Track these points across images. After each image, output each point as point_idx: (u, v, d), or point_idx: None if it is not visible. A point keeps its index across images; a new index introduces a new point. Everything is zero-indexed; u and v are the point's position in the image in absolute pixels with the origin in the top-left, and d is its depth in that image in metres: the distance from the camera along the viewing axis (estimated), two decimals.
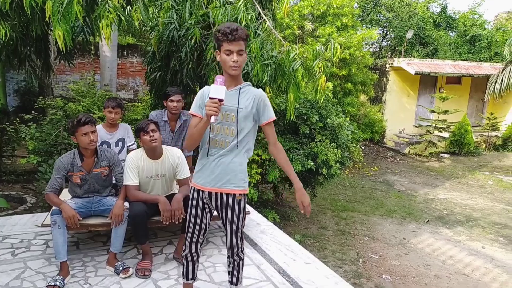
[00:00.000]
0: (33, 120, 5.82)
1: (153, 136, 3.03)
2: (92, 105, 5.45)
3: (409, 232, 6.74)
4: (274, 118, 2.27)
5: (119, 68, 11.23)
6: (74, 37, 4.52)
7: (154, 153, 3.13)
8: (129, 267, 2.99)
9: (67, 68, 10.27)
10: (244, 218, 2.33)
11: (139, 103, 7.55)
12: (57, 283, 2.71)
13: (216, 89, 2.02)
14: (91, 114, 5.19)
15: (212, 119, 2.04)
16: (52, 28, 4.03)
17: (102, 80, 9.71)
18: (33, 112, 6.39)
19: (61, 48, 3.38)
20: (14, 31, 4.26)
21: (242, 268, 2.43)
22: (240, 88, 2.24)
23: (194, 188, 2.31)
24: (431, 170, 11.27)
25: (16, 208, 5.98)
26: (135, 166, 3.08)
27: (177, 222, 3.01)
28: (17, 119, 7.47)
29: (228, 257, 2.39)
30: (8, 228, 3.64)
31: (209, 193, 2.28)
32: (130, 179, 3.07)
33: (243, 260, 2.41)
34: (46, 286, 2.71)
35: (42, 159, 5.12)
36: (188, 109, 4.39)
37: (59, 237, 2.82)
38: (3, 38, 3.90)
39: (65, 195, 3.39)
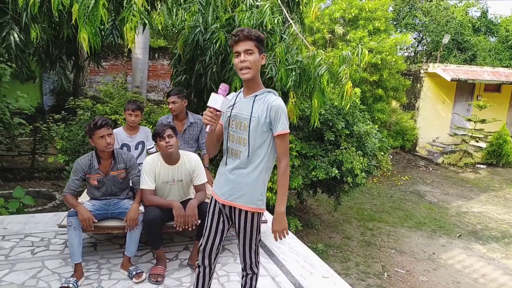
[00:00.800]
0: (63, 119, 5.97)
1: (169, 142, 2.99)
2: (119, 107, 5.54)
3: (439, 247, 6.43)
4: (286, 131, 2.09)
5: (150, 70, 11.44)
6: (103, 39, 4.60)
7: (170, 159, 3.10)
8: (143, 272, 2.97)
9: (101, 69, 10.58)
10: (259, 233, 2.23)
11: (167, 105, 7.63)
12: (71, 285, 2.71)
13: (213, 98, 1.97)
14: (112, 117, 5.27)
15: (207, 128, 2.00)
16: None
17: (133, 82, 9.91)
18: (63, 112, 6.58)
19: (86, 50, 3.43)
20: (45, 33, 4.37)
21: (256, 282, 2.32)
22: (256, 95, 2.12)
23: (212, 197, 2.27)
24: (465, 181, 10.76)
25: (45, 205, 6.16)
26: (151, 171, 3.06)
27: (190, 229, 2.96)
28: (50, 118, 7.74)
29: (242, 269, 2.30)
30: (31, 226, 3.72)
31: (223, 205, 2.21)
32: (146, 183, 3.05)
33: (257, 274, 2.30)
34: None
35: (70, 158, 5.25)
36: (193, 110, 4.35)
37: (74, 238, 2.84)
38: (35, 40, 4.01)
39: (85, 196, 3.42)
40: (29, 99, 8.55)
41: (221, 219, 2.24)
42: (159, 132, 3.01)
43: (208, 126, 1.99)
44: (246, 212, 2.15)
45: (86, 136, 5.32)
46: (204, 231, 2.27)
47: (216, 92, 2.02)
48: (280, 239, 2.17)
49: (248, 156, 2.10)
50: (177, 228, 2.94)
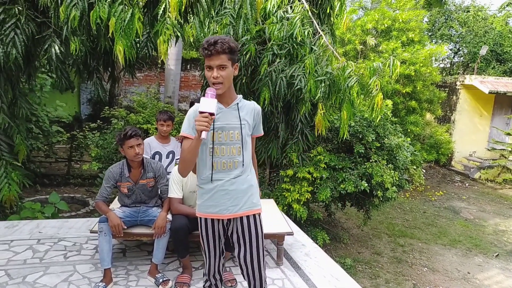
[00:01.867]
0: (98, 128, 6.19)
1: None
2: (151, 116, 5.69)
3: (475, 266, 6.13)
4: (262, 133, 2.30)
5: (182, 81, 11.71)
6: (138, 51, 4.76)
7: None
8: (169, 280, 3.00)
9: (135, 80, 10.93)
10: (263, 240, 2.16)
11: None
12: None
13: (205, 102, 1.86)
14: (144, 127, 5.41)
15: (203, 134, 1.85)
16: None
17: (166, 92, 10.18)
18: (98, 121, 6.83)
19: (121, 62, 3.57)
20: (84, 46, 4.58)
21: None
22: (238, 103, 2.13)
23: (207, 218, 2.14)
24: (504, 198, 10.25)
25: (79, 210, 6.38)
26: (179, 180, 3.12)
27: None
28: (86, 126, 8.05)
29: None
30: (64, 231, 3.85)
31: (228, 220, 2.14)
32: (174, 192, 3.11)
33: None
34: None
35: (103, 165, 5.42)
36: None
37: (105, 244, 2.92)
38: (74, 52, 4.20)
39: (116, 203, 3.51)
40: (67, 108, 8.96)
41: (220, 239, 2.18)
42: None
43: (204, 133, 1.85)
44: (248, 216, 2.11)
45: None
46: (206, 256, 2.21)
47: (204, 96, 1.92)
48: None
49: (243, 163, 2.10)
50: None
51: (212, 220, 2.14)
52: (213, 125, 2.03)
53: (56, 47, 4.36)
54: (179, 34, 3.58)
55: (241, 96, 2.18)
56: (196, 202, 3.16)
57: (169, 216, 3.10)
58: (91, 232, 3.18)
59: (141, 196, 3.21)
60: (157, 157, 3.79)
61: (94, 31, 3.83)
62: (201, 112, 1.86)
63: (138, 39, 4.25)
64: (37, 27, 4.19)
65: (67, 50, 4.71)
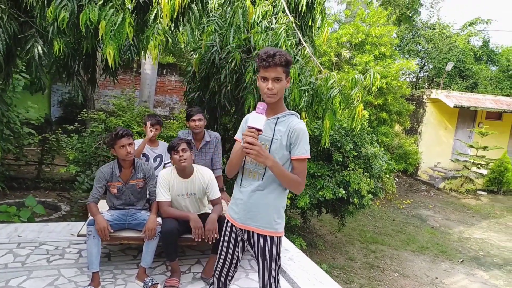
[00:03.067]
0: (75, 131, 6.07)
1: (183, 156, 3.06)
2: (132, 120, 5.64)
3: (442, 272, 6.44)
4: (304, 156, 2.05)
5: (157, 86, 11.62)
6: (121, 55, 4.74)
7: (183, 172, 3.17)
8: (158, 283, 3.01)
9: (110, 83, 10.74)
10: (279, 259, 2.15)
11: (174, 121, 7.75)
12: None
13: (254, 118, 1.91)
14: (130, 129, 5.38)
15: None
16: (101, 46, 4.26)
17: (141, 96, 10.07)
18: (76, 123, 6.69)
19: (110, 65, 3.55)
20: (67, 47, 4.51)
21: None
22: (278, 117, 2.09)
23: (229, 222, 2.20)
24: (467, 207, 10.80)
25: (51, 215, 6.18)
26: (166, 183, 3.15)
27: (210, 242, 3.02)
28: (59, 129, 7.82)
29: None
30: (45, 235, 3.76)
31: (241, 229, 2.16)
32: (162, 195, 3.13)
33: None
34: None
35: (81, 169, 5.32)
36: (211, 128, 4.36)
37: (94, 247, 2.89)
38: (57, 53, 4.14)
39: (103, 206, 3.47)
40: (37, 110, 8.68)
41: (237, 246, 2.19)
42: (174, 145, 3.09)
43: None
44: (265, 236, 2.09)
45: (98, 149, 5.42)
46: (218, 257, 2.22)
47: (255, 111, 1.96)
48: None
49: (265, 177, 2.06)
50: (197, 239, 2.99)
51: (236, 227, 2.16)
52: None
53: (39, 47, 4.28)
54: (170, 40, 3.63)
55: (289, 112, 2.13)
56: (183, 206, 3.21)
57: (159, 219, 3.11)
58: (78, 235, 3.14)
59: (130, 197, 3.21)
60: (143, 159, 3.79)
61: (82, 33, 3.80)
62: (249, 127, 1.91)
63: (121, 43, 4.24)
64: (19, 26, 4.11)
65: (49, 50, 4.63)
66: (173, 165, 3.91)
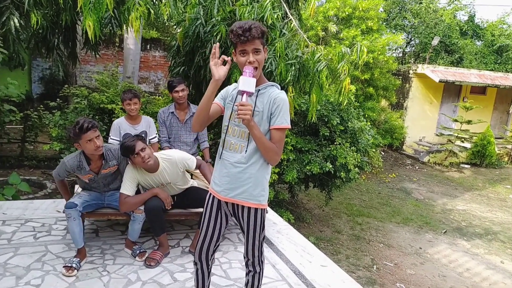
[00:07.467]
0: (58, 107, 5.93)
1: (145, 156, 2.87)
2: (116, 96, 5.52)
3: (426, 242, 6.62)
4: (286, 126, 2.02)
5: (141, 61, 11.38)
6: (102, 28, 4.59)
7: (149, 169, 3.02)
8: (146, 251, 3.05)
9: (92, 58, 10.46)
10: (263, 230, 2.16)
11: (160, 97, 7.63)
12: (73, 265, 2.77)
13: (245, 81, 1.83)
14: (109, 107, 5.24)
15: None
16: (81, 19, 4.11)
17: (125, 72, 9.85)
18: (58, 100, 6.52)
19: (90, 39, 3.43)
20: (45, 20, 4.34)
21: (259, 283, 2.25)
22: (259, 89, 2.03)
23: (212, 195, 2.16)
24: (450, 180, 11.05)
25: (36, 193, 6.12)
26: (132, 178, 3.02)
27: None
28: (41, 106, 7.64)
29: (245, 264, 2.24)
30: (30, 212, 3.72)
31: (226, 202, 2.14)
32: (125, 187, 2.98)
33: (260, 273, 2.23)
34: (63, 267, 2.77)
35: (65, 146, 5.21)
36: (191, 101, 4.31)
37: (75, 227, 2.84)
38: (34, 26, 3.98)
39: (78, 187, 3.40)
40: (18, 86, 8.44)
41: (219, 217, 2.17)
42: (130, 149, 2.85)
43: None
44: (249, 208, 2.09)
45: None
46: (200, 230, 2.19)
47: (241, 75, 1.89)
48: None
49: (248, 150, 2.03)
50: (167, 207, 3.05)
51: (219, 200, 2.14)
52: (233, 104, 2.06)
53: (16, 20, 4.11)
54: (152, 11, 3.51)
55: (269, 83, 2.09)
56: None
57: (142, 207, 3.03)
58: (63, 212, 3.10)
59: (103, 182, 3.09)
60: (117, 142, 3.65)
61: (60, 5, 3.66)
62: (241, 92, 1.85)
63: (102, 16, 4.10)
64: None
65: (26, 23, 4.45)
66: (159, 141, 3.86)
